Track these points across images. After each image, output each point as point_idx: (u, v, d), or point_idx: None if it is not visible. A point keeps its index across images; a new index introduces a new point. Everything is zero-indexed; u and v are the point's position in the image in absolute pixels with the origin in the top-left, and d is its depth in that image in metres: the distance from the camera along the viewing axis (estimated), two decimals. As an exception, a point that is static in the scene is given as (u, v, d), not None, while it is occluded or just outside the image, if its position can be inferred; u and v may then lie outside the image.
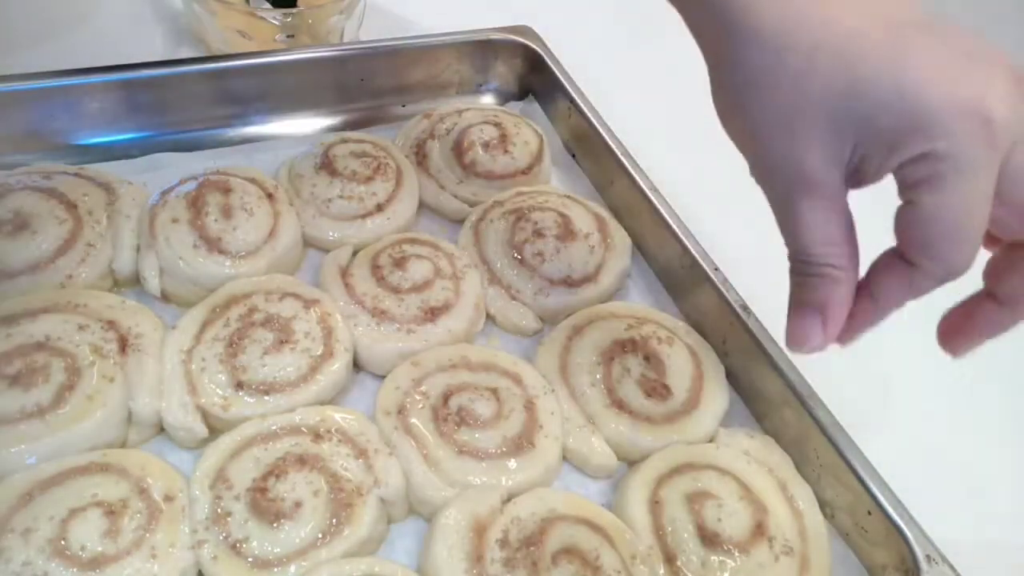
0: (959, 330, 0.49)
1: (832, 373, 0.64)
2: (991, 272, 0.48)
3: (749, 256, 0.73)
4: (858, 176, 0.44)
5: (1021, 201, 0.42)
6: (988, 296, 0.47)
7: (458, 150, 0.82)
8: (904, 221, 0.44)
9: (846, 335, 0.49)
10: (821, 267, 0.45)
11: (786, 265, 0.48)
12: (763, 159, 0.45)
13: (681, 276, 0.75)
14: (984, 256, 0.47)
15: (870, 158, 0.42)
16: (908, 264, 0.44)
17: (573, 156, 0.89)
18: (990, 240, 0.47)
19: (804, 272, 0.46)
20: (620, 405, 0.64)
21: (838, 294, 0.46)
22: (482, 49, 0.91)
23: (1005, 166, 0.41)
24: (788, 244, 0.47)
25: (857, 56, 0.41)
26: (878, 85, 0.41)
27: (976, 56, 0.41)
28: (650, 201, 0.77)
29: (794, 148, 0.43)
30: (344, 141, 0.80)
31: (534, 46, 0.91)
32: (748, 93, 0.44)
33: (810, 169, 0.43)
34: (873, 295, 0.47)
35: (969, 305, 0.48)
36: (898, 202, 0.44)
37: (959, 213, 0.41)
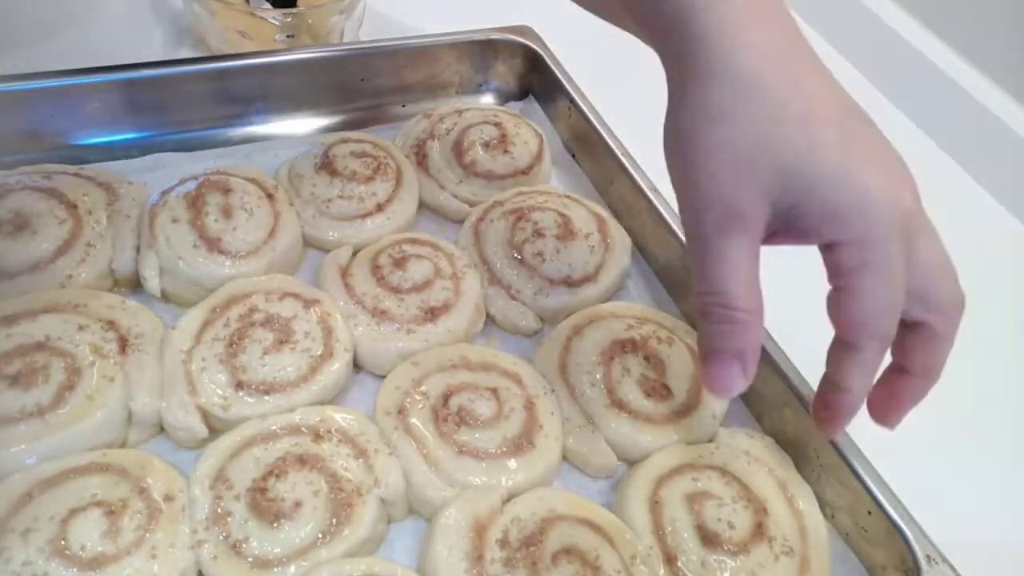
0: (888, 406, 0.53)
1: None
2: (898, 348, 0.51)
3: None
4: (783, 230, 0.47)
5: (918, 288, 0.47)
6: (901, 370, 0.52)
7: (458, 150, 0.82)
8: (840, 304, 0.48)
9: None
10: (738, 312, 0.47)
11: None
12: (703, 192, 0.47)
13: (681, 276, 0.75)
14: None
15: (805, 219, 0.46)
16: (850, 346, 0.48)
17: (573, 156, 0.89)
18: None
19: (723, 319, 0.48)
20: (620, 405, 0.64)
21: (755, 341, 0.48)
22: (482, 49, 0.91)
23: (909, 256, 0.46)
24: (706, 284, 0.48)
25: (819, 125, 0.45)
26: (831, 159, 0.45)
27: (897, 158, 0.47)
28: (650, 201, 0.77)
29: (738, 184, 0.46)
30: (344, 141, 0.80)
31: (534, 46, 0.91)
32: (711, 126, 0.46)
33: (746, 205, 0.46)
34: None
35: (888, 381, 0.52)
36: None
37: (890, 293, 0.46)
